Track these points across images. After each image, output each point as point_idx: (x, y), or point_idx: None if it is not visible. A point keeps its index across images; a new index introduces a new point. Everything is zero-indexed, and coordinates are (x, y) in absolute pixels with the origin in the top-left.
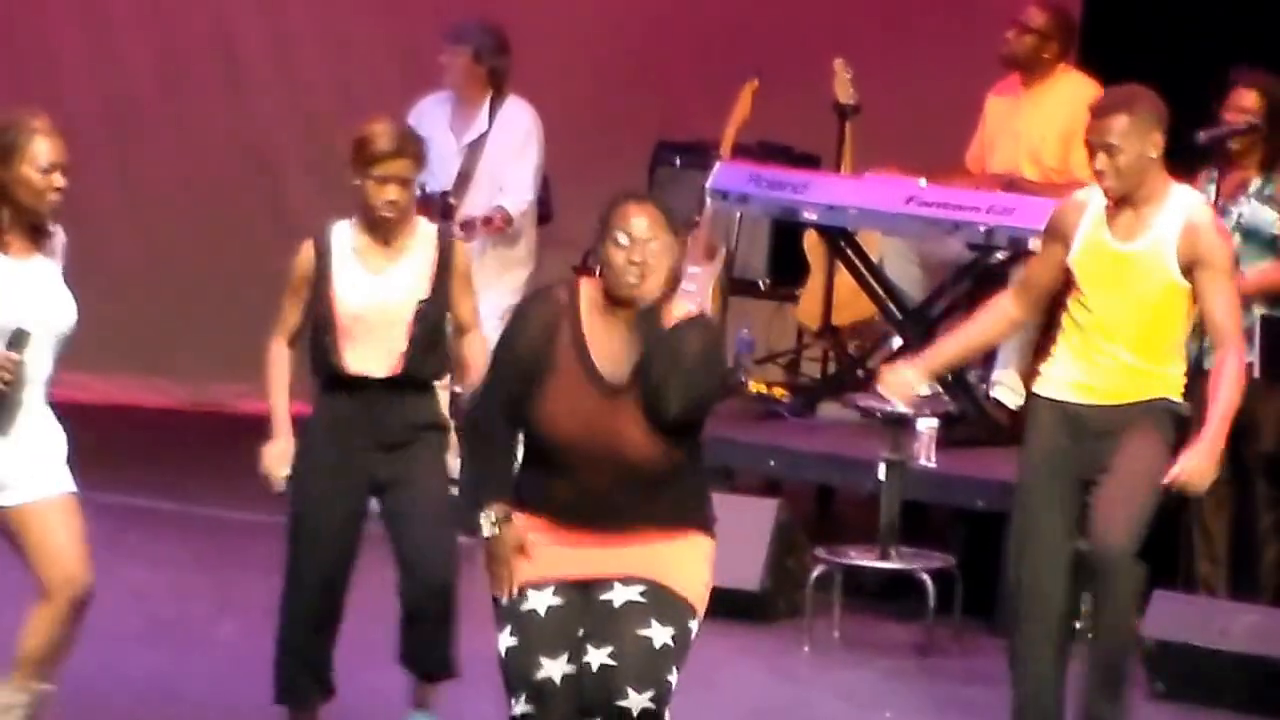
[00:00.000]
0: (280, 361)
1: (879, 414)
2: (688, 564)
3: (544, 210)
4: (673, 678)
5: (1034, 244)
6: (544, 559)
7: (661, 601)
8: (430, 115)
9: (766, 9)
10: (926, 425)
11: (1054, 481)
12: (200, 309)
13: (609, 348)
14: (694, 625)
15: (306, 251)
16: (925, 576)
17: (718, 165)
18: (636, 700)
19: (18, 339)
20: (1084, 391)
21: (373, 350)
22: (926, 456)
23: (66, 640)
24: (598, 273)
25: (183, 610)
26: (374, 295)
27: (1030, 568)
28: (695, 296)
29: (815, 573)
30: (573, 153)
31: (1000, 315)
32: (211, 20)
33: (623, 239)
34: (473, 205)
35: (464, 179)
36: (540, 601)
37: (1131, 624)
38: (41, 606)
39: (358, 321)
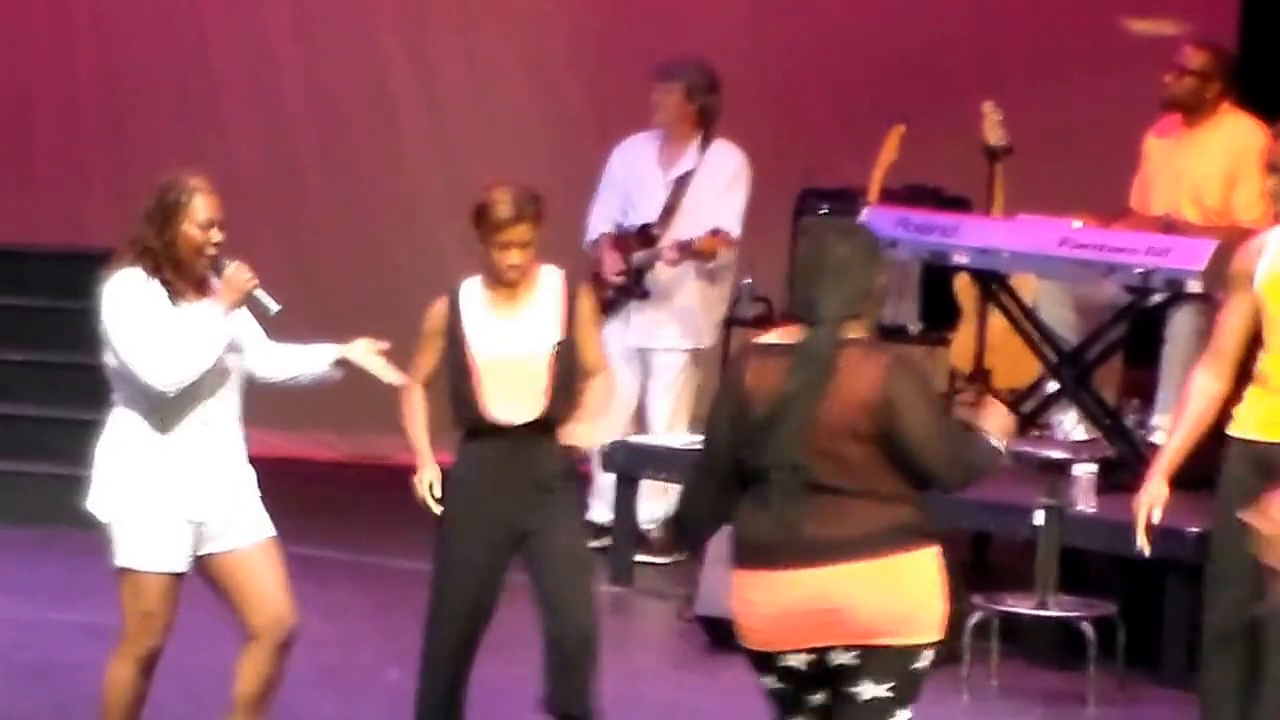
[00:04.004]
0: (414, 400)
1: (1036, 459)
2: None
3: None
4: None
5: (1192, 285)
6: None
7: None
8: (638, 151)
9: (912, 52)
10: (1085, 470)
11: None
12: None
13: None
14: None
15: (439, 306)
16: (1086, 624)
17: (865, 210)
18: None
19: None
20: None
21: (514, 396)
22: (1085, 502)
23: (276, 680)
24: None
25: (350, 657)
26: (508, 342)
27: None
28: None
29: (973, 620)
30: None
31: (1202, 397)
32: (372, 88)
33: None
34: (677, 238)
35: (669, 212)
36: None
37: None
38: (250, 650)
39: (495, 369)
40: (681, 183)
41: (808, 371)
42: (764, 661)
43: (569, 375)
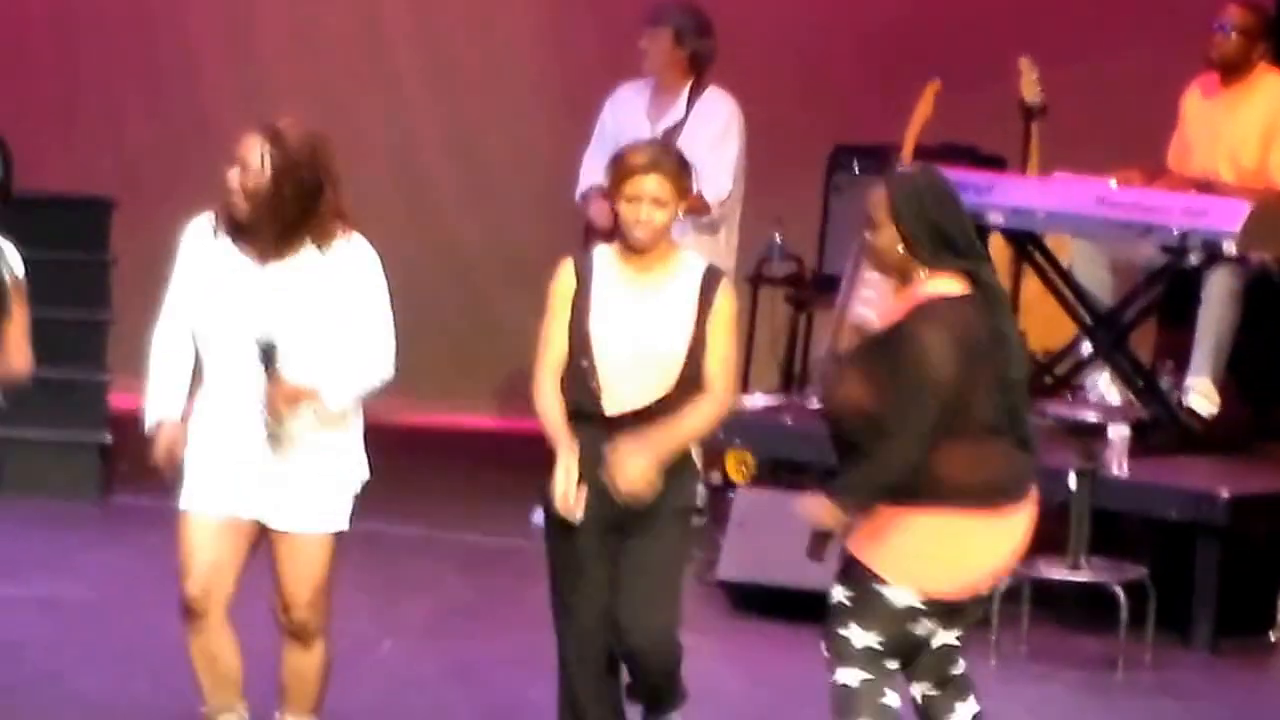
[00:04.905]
0: (555, 399)
1: (1070, 422)
2: None
3: None
4: None
5: (1228, 247)
6: None
7: None
8: (627, 102)
9: (947, 7)
10: (1118, 433)
11: None
12: None
13: None
14: None
15: (566, 268)
16: (1117, 588)
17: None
18: None
19: (266, 353)
20: None
21: (630, 385)
22: (1118, 465)
23: (305, 672)
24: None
25: (342, 628)
26: (635, 325)
27: None
28: (875, 304)
29: (1002, 585)
30: (748, 158)
31: None
32: (369, 39)
33: None
34: None
35: None
36: None
37: None
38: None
39: (615, 353)
40: (669, 135)
41: (1008, 314)
42: (903, 614)
43: (697, 376)
